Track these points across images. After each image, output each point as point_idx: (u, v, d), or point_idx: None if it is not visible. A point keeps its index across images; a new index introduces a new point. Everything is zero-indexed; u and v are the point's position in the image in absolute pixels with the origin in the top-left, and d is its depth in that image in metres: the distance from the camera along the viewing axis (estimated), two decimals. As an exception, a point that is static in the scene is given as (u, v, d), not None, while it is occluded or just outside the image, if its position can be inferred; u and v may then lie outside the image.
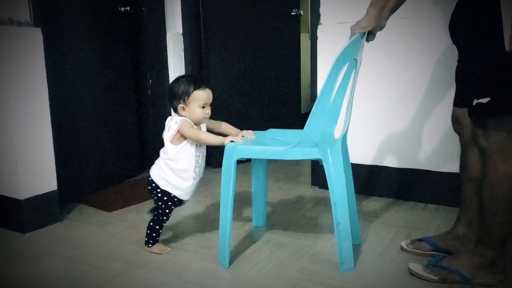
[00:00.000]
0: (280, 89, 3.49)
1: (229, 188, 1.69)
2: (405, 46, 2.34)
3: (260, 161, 2.01)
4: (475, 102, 1.41)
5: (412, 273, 1.62)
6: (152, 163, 3.12)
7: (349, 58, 1.58)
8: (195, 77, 1.83)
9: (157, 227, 1.86)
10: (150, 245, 1.87)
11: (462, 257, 1.59)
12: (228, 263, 1.72)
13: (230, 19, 3.17)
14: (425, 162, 2.37)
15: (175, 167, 1.78)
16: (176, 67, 3.01)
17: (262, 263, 1.76)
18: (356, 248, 1.83)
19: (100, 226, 2.20)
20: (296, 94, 3.69)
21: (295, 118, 3.64)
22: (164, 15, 2.96)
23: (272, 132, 1.96)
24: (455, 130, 1.71)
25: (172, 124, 1.74)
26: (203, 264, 1.76)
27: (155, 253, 1.86)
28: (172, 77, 3.00)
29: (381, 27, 1.61)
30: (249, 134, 1.82)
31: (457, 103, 1.66)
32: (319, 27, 2.55)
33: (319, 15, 2.54)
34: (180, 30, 3.03)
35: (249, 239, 1.99)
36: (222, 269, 1.72)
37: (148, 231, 1.87)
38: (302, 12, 3.49)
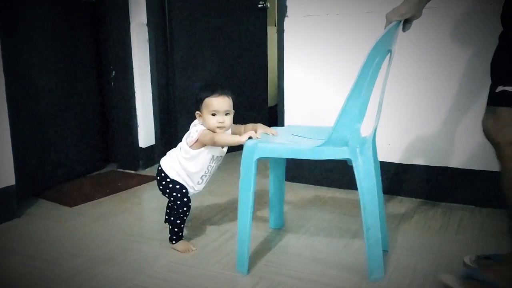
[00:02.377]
0: (247, 82, 3.47)
1: (249, 190, 1.56)
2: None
3: (278, 159, 1.90)
4: (499, 89, 1.33)
5: (446, 286, 1.45)
6: (115, 157, 3.08)
7: (384, 49, 1.46)
8: (216, 84, 1.77)
9: (178, 221, 1.78)
10: (173, 242, 1.81)
11: (502, 270, 1.44)
12: (247, 269, 1.60)
13: (196, 10, 3.12)
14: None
15: (186, 167, 1.75)
16: (140, 59, 2.94)
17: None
18: (383, 255, 1.65)
19: (61, 222, 2.13)
20: (263, 87, 3.67)
21: (263, 112, 3.63)
22: (128, 4, 2.88)
23: (292, 128, 1.85)
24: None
25: (193, 131, 1.72)
26: (169, 259, 1.73)
27: (178, 250, 1.79)
28: (136, 68, 2.93)
29: (418, 15, 1.47)
30: (271, 131, 1.72)
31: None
32: (286, 19, 2.54)
33: (285, 7, 2.53)
34: (145, 20, 2.96)
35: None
36: (188, 264, 1.69)
37: (170, 227, 1.80)
38: (269, 5, 3.47)
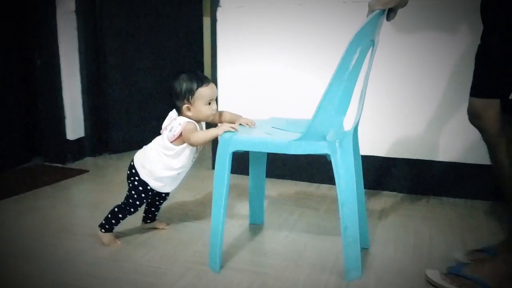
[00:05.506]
0: (182, 73, 3.41)
1: (223, 184, 1.51)
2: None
3: (258, 153, 1.82)
4: None
5: (429, 282, 1.45)
6: (42, 150, 2.93)
7: (366, 39, 1.38)
8: (196, 73, 1.70)
9: (120, 215, 1.72)
10: (103, 230, 1.74)
11: (488, 265, 1.42)
12: (219, 266, 1.55)
13: (128, -2, 3.03)
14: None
15: (168, 164, 1.67)
16: (67, 47, 2.81)
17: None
18: (364, 253, 1.64)
19: (-23, 218, 2.00)
20: (199, 79, 3.63)
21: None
22: (54, -11, 2.75)
23: (274, 121, 1.76)
24: (474, 124, 1.47)
25: (176, 125, 1.63)
26: (93, 254, 1.67)
27: (102, 241, 1.73)
28: (63, 57, 2.79)
29: (404, 4, 1.41)
30: (249, 122, 1.67)
31: (475, 93, 1.43)
32: (219, 9, 2.51)
33: (218, -4, 2.50)
34: (73, 7, 2.82)
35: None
36: (113, 258, 1.64)
37: (109, 215, 1.73)
38: (204, -5, 3.43)
